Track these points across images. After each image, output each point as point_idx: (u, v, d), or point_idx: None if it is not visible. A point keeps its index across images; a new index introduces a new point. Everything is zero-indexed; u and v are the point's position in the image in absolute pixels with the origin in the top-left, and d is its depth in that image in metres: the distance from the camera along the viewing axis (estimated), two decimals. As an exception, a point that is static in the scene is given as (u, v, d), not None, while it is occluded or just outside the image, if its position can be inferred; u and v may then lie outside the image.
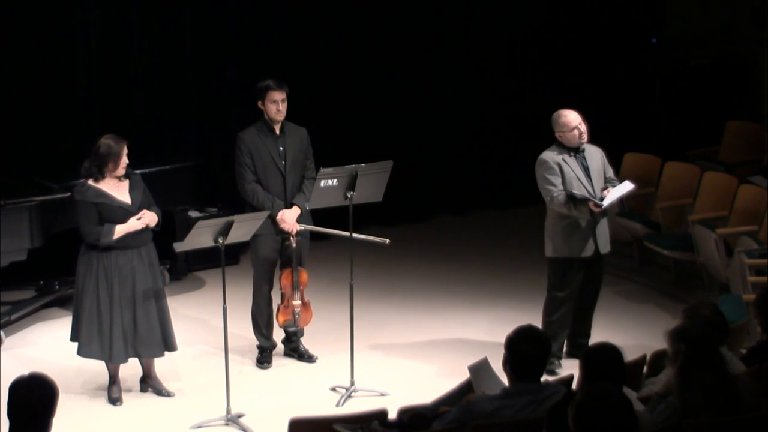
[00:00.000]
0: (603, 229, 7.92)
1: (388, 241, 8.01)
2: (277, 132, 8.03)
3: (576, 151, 7.86)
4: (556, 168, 7.80)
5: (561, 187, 7.77)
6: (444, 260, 10.66)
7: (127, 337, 7.47)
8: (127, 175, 7.51)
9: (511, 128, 12.14)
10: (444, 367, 8.00)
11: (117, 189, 7.46)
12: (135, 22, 10.55)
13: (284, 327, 8.24)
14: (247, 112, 9.48)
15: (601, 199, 7.79)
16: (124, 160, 7.43)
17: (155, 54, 10.70)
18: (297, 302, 8.11)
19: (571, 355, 7.99)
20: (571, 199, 7.75)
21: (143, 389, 7.76)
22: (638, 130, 12.21)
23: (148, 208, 7.51)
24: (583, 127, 7.85)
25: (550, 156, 7.85)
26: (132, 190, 7.50)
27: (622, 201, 9.96)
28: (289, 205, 8.02)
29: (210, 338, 8.58)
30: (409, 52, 11.68)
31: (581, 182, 7.81)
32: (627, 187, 7.96)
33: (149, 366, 7.72)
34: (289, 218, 7.97)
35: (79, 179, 7.51)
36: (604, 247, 7.96)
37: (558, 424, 4.41)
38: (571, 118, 7.84)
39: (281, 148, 8.01)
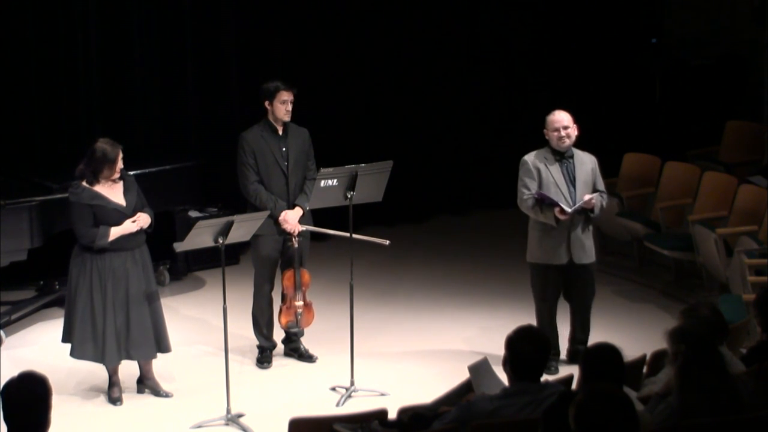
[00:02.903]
0: (580, 238, 7.77)
1: (387, 242, 8.01)
2: (280, 132, 8.03)
3: (562, 156, 7.75)
4: (534, 172, 7.72)
5: (533, 190, 7.68)
6: (444, 260, 10.65)
7: (120, 339, 7.46)
8: (121, 177, 7.49)
9: (511, 128, 12.13)
10: (443, 367, 7.99)
11: (112, 191, 7.44)
12: (135, 22, 10.55)
13: (287, 328, 8.22)
14: (247, 112, 9.49)
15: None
16: (119, 165, 7.41)
17: (155, 54, 10.69)
18: (299, 303, 8.10)
19: (571, 361, 7.95)
20: (539, 202, 7.68)
21: (140, 390, 7.74)
22: (638, 130, 12.21)
23: (142, 210, 7.51)
24: (567, 132, 7.68)
25: (531, 158, 7.78)
26: (126, 192, 7.48)
27: (623, 201, 9.97)
28: (292, 206, 8.02)
29: (210, 338, 8.58)
30: (409, 52, 11.68)
31: (559, 188, 7.69)
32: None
33: (147, 367, 7.71)
34: (291, 219, 7.96)
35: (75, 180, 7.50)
36: (582, 257, 7.78)
37: (553, 425, 4.40)
38: (557, 118, 7.70)
39: (284, 149, 8.01)
